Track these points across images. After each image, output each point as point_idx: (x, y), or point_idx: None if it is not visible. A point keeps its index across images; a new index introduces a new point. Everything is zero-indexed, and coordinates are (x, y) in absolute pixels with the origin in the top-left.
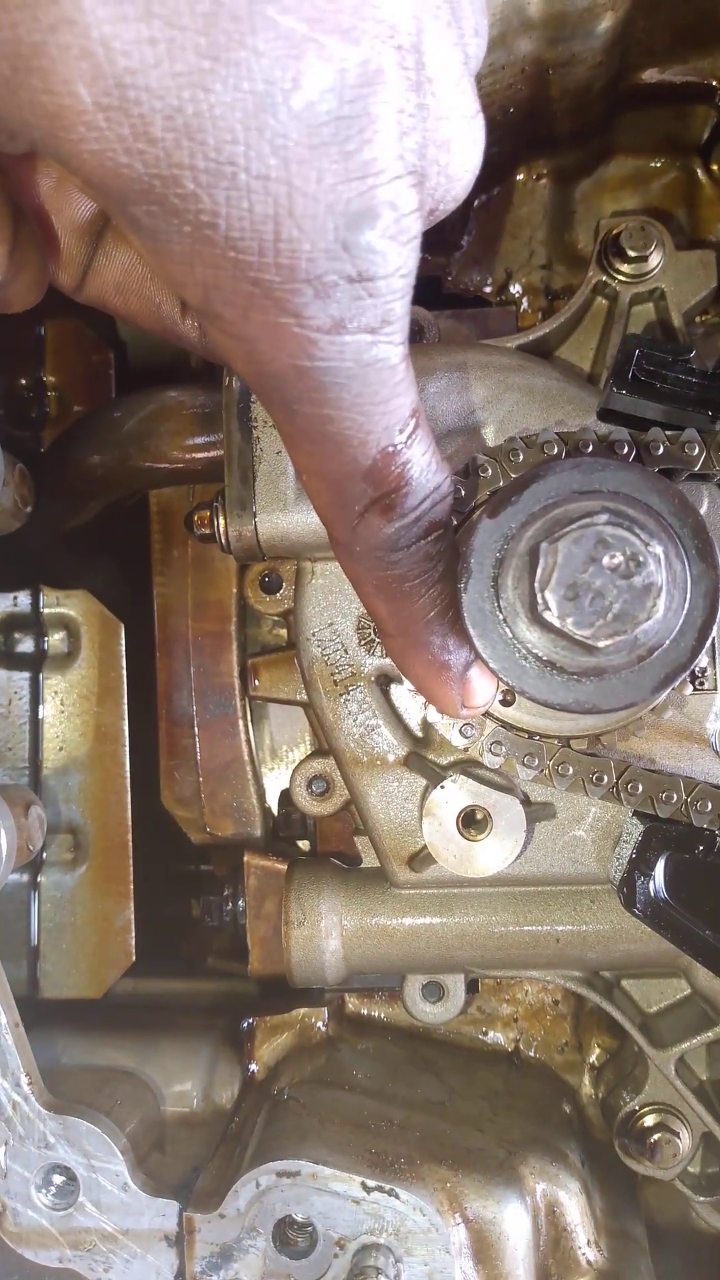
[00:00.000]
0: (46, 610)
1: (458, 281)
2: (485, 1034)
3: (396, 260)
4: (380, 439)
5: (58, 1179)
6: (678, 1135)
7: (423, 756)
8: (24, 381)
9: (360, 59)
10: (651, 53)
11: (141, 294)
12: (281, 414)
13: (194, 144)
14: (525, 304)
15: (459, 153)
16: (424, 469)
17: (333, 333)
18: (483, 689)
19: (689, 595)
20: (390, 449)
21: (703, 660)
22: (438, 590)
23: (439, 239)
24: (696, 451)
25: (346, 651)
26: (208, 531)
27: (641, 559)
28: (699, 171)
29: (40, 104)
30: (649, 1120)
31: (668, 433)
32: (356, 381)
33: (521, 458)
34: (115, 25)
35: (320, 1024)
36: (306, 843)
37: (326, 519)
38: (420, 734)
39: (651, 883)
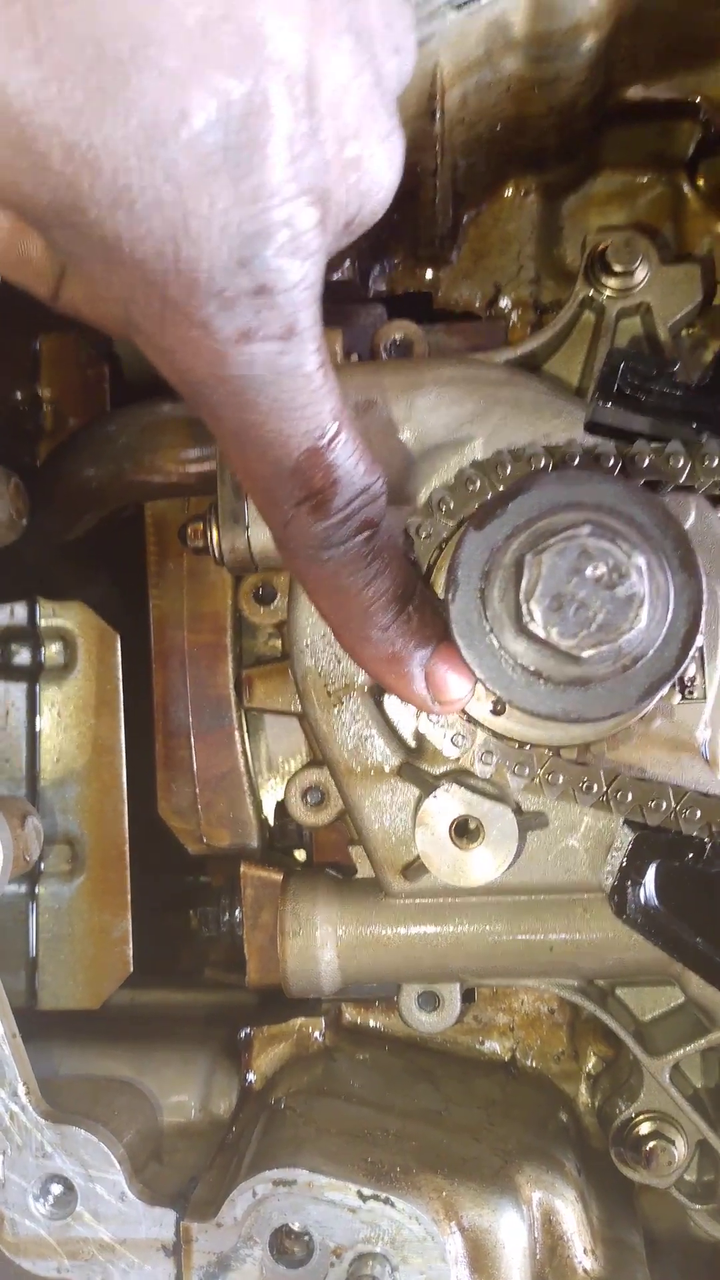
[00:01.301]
0: (43, 622)
1: (447, 296)
2: (481, 1043)
3: (296, 275)
4: (301, 442)
5: (55, 1189)
6: (673, 1143)
7: (416, 766)
8: (19, 395)
9: (244, 92)
10: (636, 70)
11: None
12: (209, 419)
13: (92, 174)
14: (514, 318)
15: (370, 170)
16: (350, 470)
17: (241, 343)
18: (454, 684)
19: (672, 605)
20: (313, 451)
21: (690, 669)
22: (376, 587)
23: (429, 254)
24: (681, 464)
25: (340, 662)
26: (201, 544)
27: (624, 570)
28: (685, 186)
29: None
30: (645, 1128)
31: (653, 445)
32: (272, 388)
33: (509, 470)
34: (8, 69)
35: (317, 1034)
36: (303, 853)
37: (264, 518)
38: (413, 744)
39: (642, 890)
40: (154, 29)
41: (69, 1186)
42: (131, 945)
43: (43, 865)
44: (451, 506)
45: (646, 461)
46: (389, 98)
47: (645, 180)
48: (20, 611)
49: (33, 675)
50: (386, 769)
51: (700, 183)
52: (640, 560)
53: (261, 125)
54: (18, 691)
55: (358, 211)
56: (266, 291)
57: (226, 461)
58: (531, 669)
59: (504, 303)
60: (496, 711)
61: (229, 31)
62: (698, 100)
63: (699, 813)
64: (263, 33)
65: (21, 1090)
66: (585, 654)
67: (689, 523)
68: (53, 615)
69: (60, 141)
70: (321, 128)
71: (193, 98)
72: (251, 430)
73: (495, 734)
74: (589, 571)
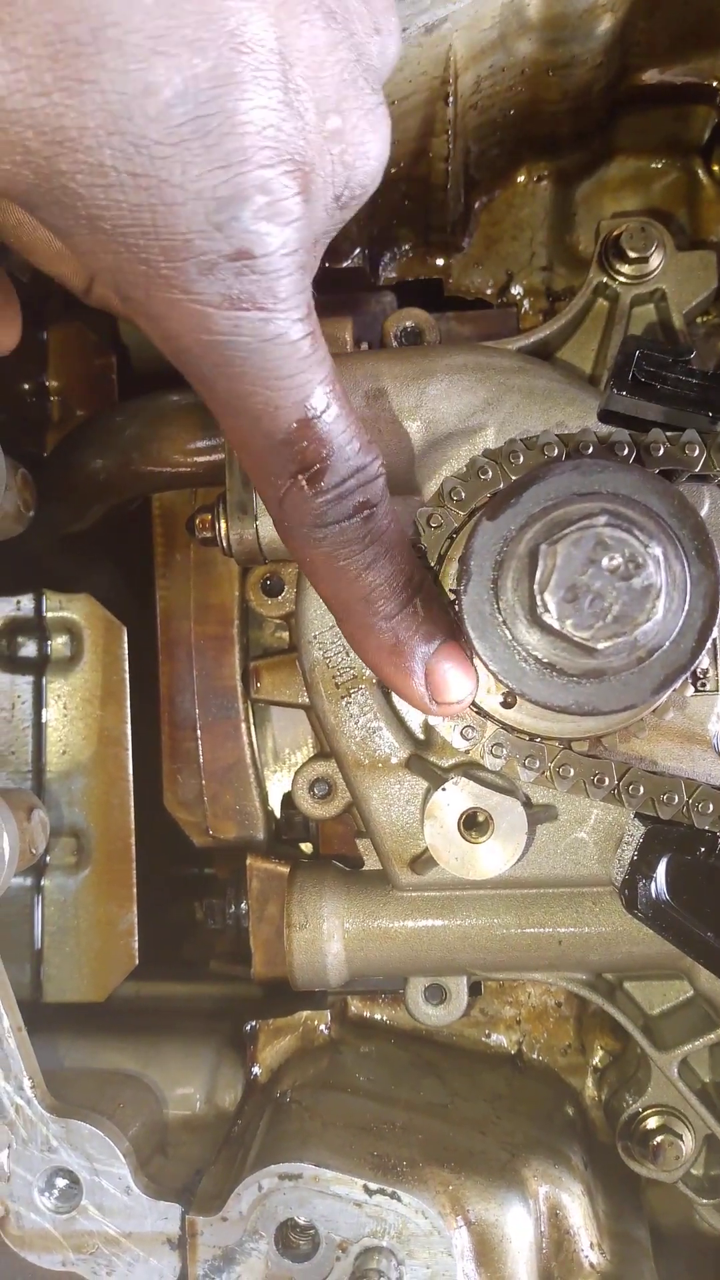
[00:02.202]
0: (49, 614)
1: (459, 284)
2: (488, 1036)
3: (275, 240)
4: (291, 412)
5: (60, 1182)
6: (680, 1137)
7: (424, 759)
8: (26, 386)
9: (209, 66)
10: (651, 54)
11: None
12: (202, 389)
13: (67, 152)
14: (526, 305)
15: (355, 142)
16: (343, 446)
17: (224, 308)
18: (455, 684)
19: (689, 596)
20: (304, 422)
21: (704, 661)
22: (377, 573)
23: (440, 241)
24: (697, 453)
25: (348, 654)
26: (209, 535)
27: (641, 560)
28: (700, 172)
29: None
30: (652, 1122)
31: (668, 434)
32: (258, 356)
33: (522, 459)
34: None
35: (323, 1027)
36: (309, 845)
37: (260, 495)
38: (422, 736)
39: (653, 884)
40: (113, 9)
41: (74, 1180)
42: (137, 938)
43: (48, 858)
44: (463, 496)
45: (662, 450)
46: (372, 74)
47: (660, 166)
48: (27, 604)
49: (39, 667)
50: (395, 761)
51: (716, 168)
52: (657, 550)
53: (229, 95)
54: (24, 684)
55: (345, 183)
56: (246, 255)
57: (223, 435)
58: (545, 661)
59: (516, 290)
60: (507, 704)
61: (190, 9)
62: (714, 84)
63: (711, 806)
64: (224, 8)
65: (27, 1084)
66: (600, 646)
67: (704, 512)
68: (59, 607)
69: (34, 123)
70: (298, 100)
71: (157, 73)
72: (242, 400)
73: (505, 726)
74: (605, 562)
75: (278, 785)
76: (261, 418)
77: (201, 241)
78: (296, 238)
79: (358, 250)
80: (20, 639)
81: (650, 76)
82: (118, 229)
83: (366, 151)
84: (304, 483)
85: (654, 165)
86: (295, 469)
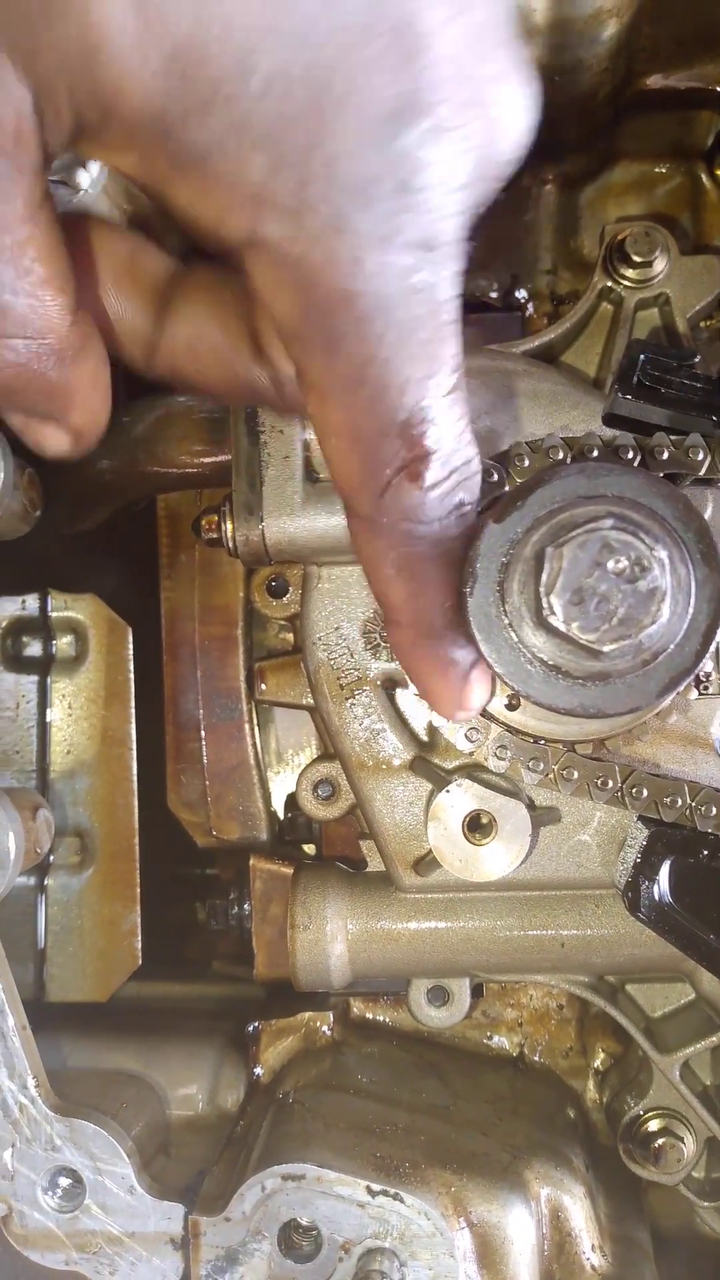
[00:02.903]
0: (54, 614)
1: (463, 287)
2: (490, 1038)
3: (443, 171)
4: (416, 393)
5: (64, 1181)
6: (682, 1140)
7: (428, 760)
8: None
9: None
10: (656, 59)
11: (213, 348)
12: (323, 359)
13: (222, 45)
14: (531, 309)
15: (504, 106)
16: (457, 436)
17: (377, 248)
18: (481, 691)
19: (693, 600)
20: (425, 406)
21: (708, 664)
22: (452, 577)
23: None
24: (701, 456)
25: (352, 655)
26: (215, 536)
27: (646, 564)
28: (704, 177)
29: (74, 39)
30: (653, 1125)
31: (673, 437)
32: (400, 312)
33: (527, 463)
34: None
35: (325, 1028)
36: (312, 846)
37: (353, 488)
38: (426, 738)
39: (656, 887)
40: None
41: (77, 1179)
42: (140, 938)
43: (52, 857)
44: (494, 478)
45: (666, 454)
46: (514, 38)
47: (664, 170)
48: (32, 603)
49: (44, 667)
50: (398, 763)
51: (719, 173)
52: (662, 554)
53: (417, 8)
54: (29, 683)
55: (490, 153)
56: (411, 188)
57: (323, 427)
58: (550, 663)
59: (521, 294)
60: (511, 706)
61: None
62: (718, 90)
63: (714, 809)
64: None
65: (31, 1083)
66: (606, 648)
67: (708, 515)
68: (64, 607)
69: (190, 8)
70: (472, 34)
71: None
72: (369, 368)
73: (509, 728)
74: (610, 565)
75: (281, 786)
76: (385, 392)
77: (366, 163)
78: (464, 174)
79: None
80: (25, 638)
81: (655, 82)
82: (274, 139)
83: (513, 119)
84: (412, 475)
85: (658, 170)
86: (408, 458)
